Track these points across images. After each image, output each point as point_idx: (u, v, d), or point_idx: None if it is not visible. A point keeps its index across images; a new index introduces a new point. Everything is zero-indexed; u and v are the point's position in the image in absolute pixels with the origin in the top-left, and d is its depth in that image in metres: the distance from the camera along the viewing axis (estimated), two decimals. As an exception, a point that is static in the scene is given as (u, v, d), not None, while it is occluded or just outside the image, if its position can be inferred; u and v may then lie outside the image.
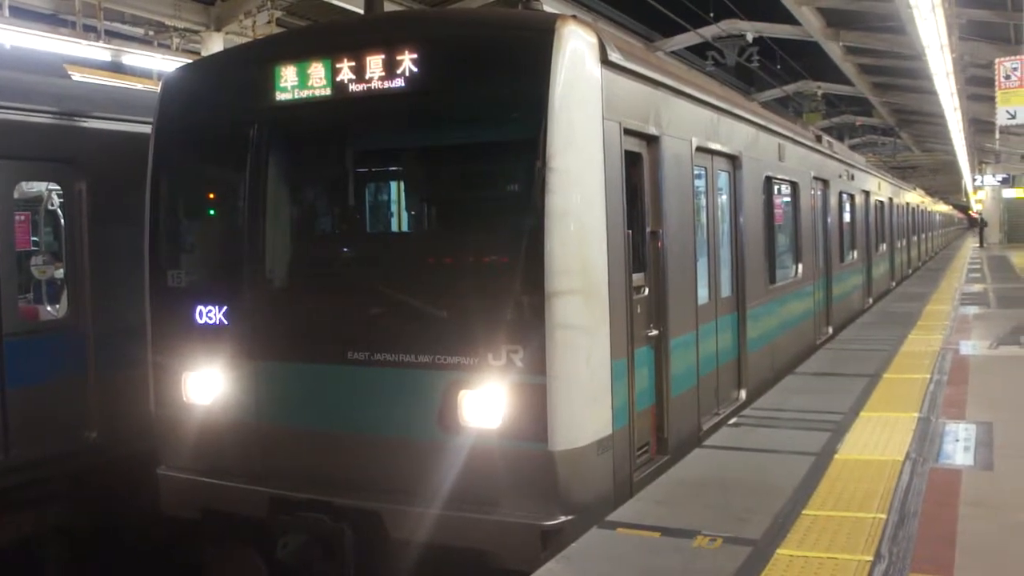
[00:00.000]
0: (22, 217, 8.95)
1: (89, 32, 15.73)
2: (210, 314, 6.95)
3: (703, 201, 8.91)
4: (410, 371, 6.20)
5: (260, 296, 6.93)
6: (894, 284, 24.37)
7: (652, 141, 7.37)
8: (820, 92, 36.63)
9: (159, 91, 7.49)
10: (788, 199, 12.69)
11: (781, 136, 11.90)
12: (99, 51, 14.83)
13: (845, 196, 17.04)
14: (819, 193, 14.61)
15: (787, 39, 27.31)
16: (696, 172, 8.41)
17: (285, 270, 7.21)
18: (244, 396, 6.81)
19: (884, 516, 5.79)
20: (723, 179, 9.56)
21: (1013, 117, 12.17)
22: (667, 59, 21.26)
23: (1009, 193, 50.77)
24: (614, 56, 6.45)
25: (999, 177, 49.49)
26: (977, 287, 23.20)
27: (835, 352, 12.74)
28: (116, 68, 15.71)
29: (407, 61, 6.27)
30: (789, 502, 6.13)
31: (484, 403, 5.97)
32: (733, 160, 9.69)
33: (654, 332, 7.30)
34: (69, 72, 10.31)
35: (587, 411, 6.08)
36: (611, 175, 6.35)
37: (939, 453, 7.26)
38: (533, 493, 5.90)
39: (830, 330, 14.81)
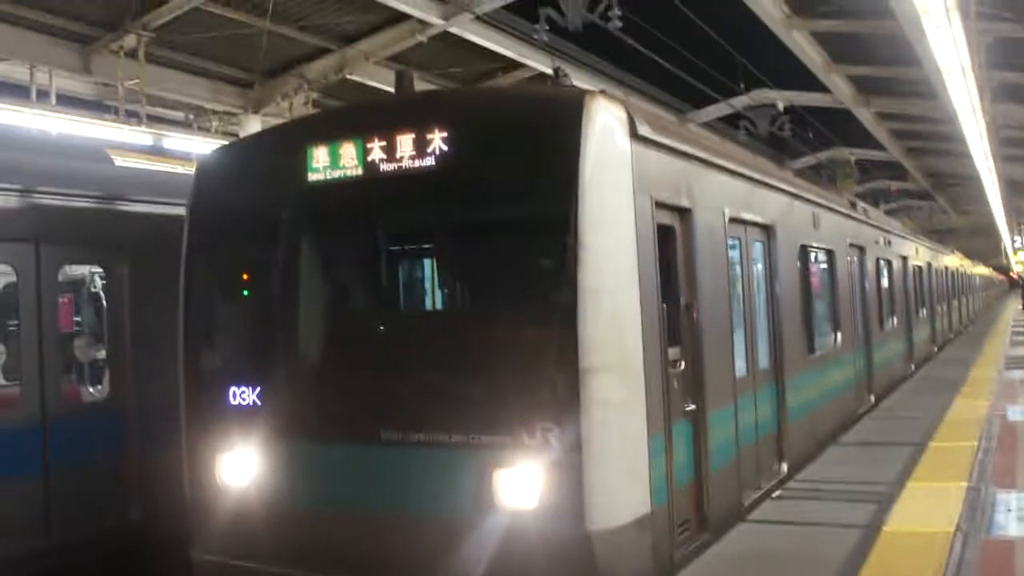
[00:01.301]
0: (65, 299, 9.10)
1: (131, 117, 16.16)
2: (243, 395, 6.93)
3: (738, 272, 8.84)
4: (444, 451, 6.12)
5: (292, 377, 6.95)
6: (936, 349, 23.98)
7: (684, 213, 7.33)
8: (853, 158, 36.63)
9: (194, 172, 7.62)
10: (824, 267, 12.57)
11: (815, 204, 11.84)
12: (141, 135, 15.20)
13: (882, 262, 16.86)
14: (856, 260, 14.48)
15: (818, 107, 27.42)
16: (730, 243, 8.35)
17: (317, 350, 7.20)
18: (277, 478, 6.77)
19: (937, 591, 5.63)
20: (757, 249, 9.50)
21: (1050, 178, 12.06)
22: (699, 130, 21.38)
23: (1050, 254, 50.15)
24: (643, 130, 6.47)
25: (1039, 238, 48.94)
26: (1022, 350, 22.81)
27: (879, 421, 12.55)
28: (157, 152, 16.09)
29: (437, 140, 6.33)
30: (838, 577, 5.99)
31: (519, 483, 5.87)
32: (767, 230, 9.62)
33: (691, 406, 7.20)
34: (112, 156, 10.56)
35: (624, 488, 5.98)
36: (643, 249, 6.33)
37: (991, 524, 7.08)
38: (572, 574, 5.76)
39: (872, 399, 14.55)
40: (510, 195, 6.43)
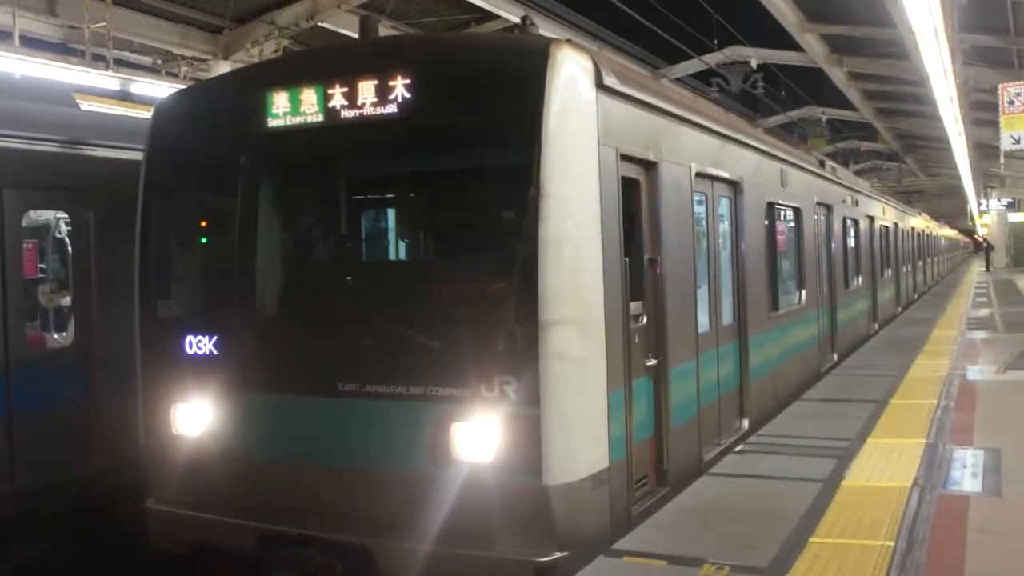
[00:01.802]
0: (30, 245, 8.99)
1: (98, 61, 15.85)
2: (199, 344, 6.83)
3: (703, 227, 8.76)
4: (401, 403, 6.07)
5: (250, 326, 6.86)
6: (900, 309, 24.21)
7: (650, 167, 7.25)
8: (824, 118, 36.78)
9: (151, 117, 7.44)
10: (791, 225, 12.55)
11: (783, 161, 11.77)
12: (108, 80, 14.92)
13: (849, 221, 16.90)
14: (822, 219, 14.48)
15: (791, 65, 27.43)
16: (696, 198, 8.28)
17: (275, 300, 7.14)
18: (233, 428, 6.70)
19: (892, 543, 5.76)
20: (724, 205, 9.43)
21: (1017, 142, 12.19)
22: (668, 84, 21.32)
23: (1015, 217, 50.81)
24: (610, 81, 6.36)
25: (1005, 201, 49.51)
26: (984, 311, 23.15)
27: (841, 378, 12.71)
28: (124, 97, 15.83)
29: (399, 87, 6.20)
30: (796, 530, 6.10)
31: (477, 436, 5.82)
32: (734, 186, 9.57)
33: (653, 362, 7.17)
34: (78, 101, 10.39)
35: (583, 443, 5.94)
36: (607, 202, 6.23)
37: (947, 479, 7.23)
38: (527, 528, 5.74)
39: (835, 357, 14.66)
40: (472, 143, 6.37)
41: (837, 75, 26.21)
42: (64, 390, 8.12)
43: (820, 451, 8.23)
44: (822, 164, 15.30)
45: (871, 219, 19.69)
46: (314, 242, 7.61)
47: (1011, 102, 12.12)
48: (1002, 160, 30.95)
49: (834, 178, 15.96)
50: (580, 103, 6.06)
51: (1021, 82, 12.24)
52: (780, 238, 11.84)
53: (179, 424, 6.92)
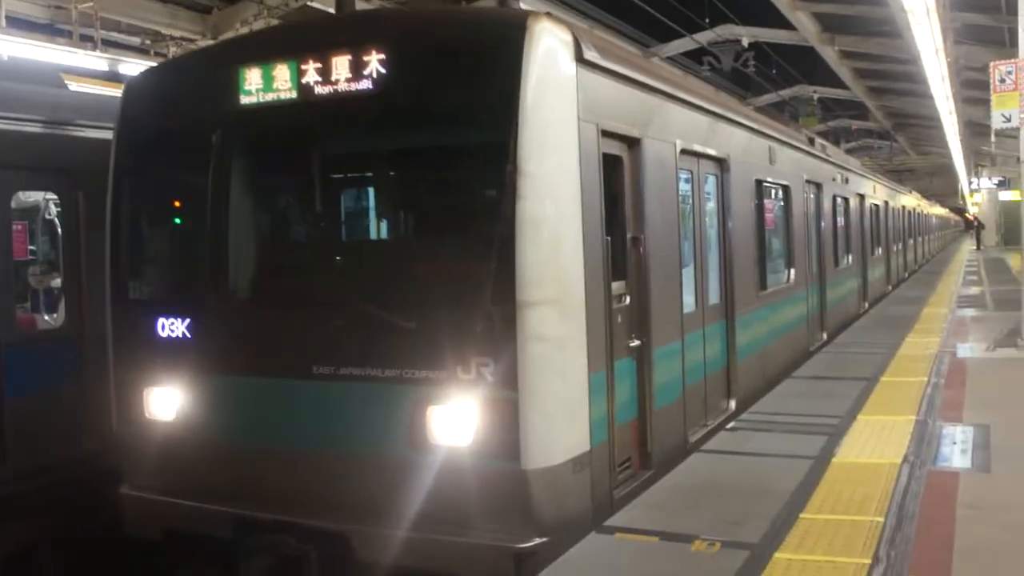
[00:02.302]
0: (19, 227, 8.95)
1: (86, 42, 15.74)
2: (172, 326, 6.67)
3: (689, 206, 8.61)
4: (377, 386, 5.94)
5: (223, 308, 6.70)
6: (890, 288, 24.14)
7: (633, 144, 7.07)
8: (816, 96, 36.74)
9: (121, 95, 7.25)
10: (779, 203, 12.40)
11: (771, 139, 11.61)
12: (96, 61, 14.81)
13: (839, 200, 16.75)
14: (812, 197, 14.34)
15: (783, 44, 27.37)
16: (681, 176, 8.13)
17: (249, 281, 6.99)
18: (207, 412, 6.56)
19: (882, 519, 5.80)
20: (711, 183, 9.30)
21: (1008, 120, 12.16)
22: (656, 61, 21.26)
23: (1005, 195, 50.84)
24: (590, 55, 6.17)
25: (995, 180, 49.53)
26: (974, 290, 23.23)
27: (832, 356, 12.76)
28: (113, 77, 15.73)
29: (374, 61, 6.02)
30: (787, 506, 6.14)
31: (454, 419, 5.70)
32: (721, 163, 9.40)
33: (636, 342, 7.02)
34: (66, 82, 10.31)
35: (562, 427, 5.80)
36: (588, 179, 6.08)
37: (937, 456, 7.27)
38: (506, 514, 5.61)
39: (824, 336, 14.54)
40: (448, 119, 6.17)
41: (829, 53, 26.18)
42: (55, 372, 8.10)
43: (811, 428, 8.26)
44: (811, 142, 15.18)
45: (861, 197, 19.54)
46: (287, 222, 7.43)
47: (1002, 80, 12.10)
48: (993, 139, 30.93)
49: (824, 156, 15.81)
50: (559, 78, 5.89)
51: (1012, 60, 12.22)
52: (768, 216, 11.69)
53: (152, 408, 6.78)
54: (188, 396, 6.62)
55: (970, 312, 17.79)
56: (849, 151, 41.19)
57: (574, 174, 5.95)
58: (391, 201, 7.15)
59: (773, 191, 12.00)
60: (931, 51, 17.35)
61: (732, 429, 8.46)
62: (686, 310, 8.09)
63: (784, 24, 23.74)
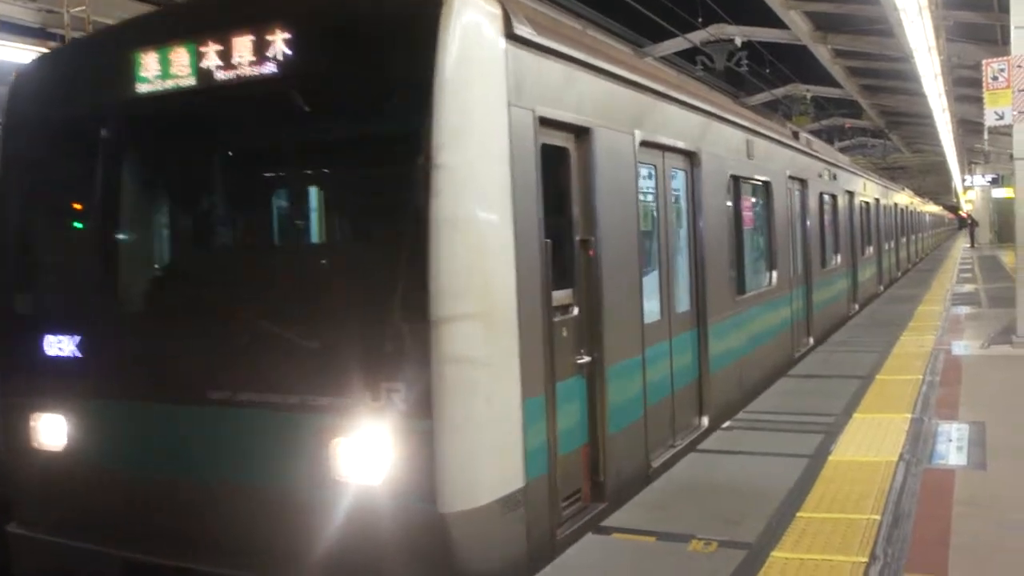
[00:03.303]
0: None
1: (78, 45, 15.68)
2: (60, 345, 5.96)
3: (653, 204, 7.88)
4: (276, 414, 5.25)
5: (113, 324, 6.03)
6: (882, 288, 23.73)
7: (582, 133, 6.34)
8: (809, 95, 36.73)
9: (9, 86, 6.51)
10: (759, 201, 11.72)
11: (749, 131, 10.85)
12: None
13: (826, 197, 16.14)
14: (796, 194, 13.67)
15: (776, 43, 27.38)
16: (642, 171, 7.42)
17: (141, 293, 6.33)
18: (97, 441, 5.90)
19: (878, 517, 5.80)
20: (678, 178, 8.54)
21: (1001, 118, 12.18)
22: (615, 45, 21.26)
23: (999, 193, 50.88)
24: (523, 30, 5.44)
25: (988, 177, 49.60)
26: (968, 287, 23.26)
27: (827, 354, 12.76)
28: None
29: (278, 41, 5.28)
30: (783, 505, 6.14)
31: (361, 454, 5.00)
32: (690, 157, 8.62)
33: (586, 359, 6.30)
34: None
35: (488, 462, 5.10)
36: (521, 173, 5.35)
37: (932, 453, 7.27)
38: (422, 564, 4.93)
39: (811, 341, 13.94)
40: (356, 105, 5.44)
41: (822, 52, 26.17)
42: None
43: (806, 427, 8.27)
44: (796, 136, 14.66)
45: (850, 194, 18.90)
46: (182, 227, 6.58)
47: (995, 78, 12.12)
48: (986, 136, 31.03)
49: (809, 151, 15.15)
50: (484, 55, 5.18)
51: (1005, 58, 12.24)
52: (746, 215, 11.06)
53: (40, 436, 6.09)
54: (77, 423, 5.97)
55: (965, 309, 17.81)
56: (843, 149, 41.27)
57: (503, 167, 5.22)
58: (293, 202, 6.42)
59: (752, 188, 11.34)
60: (924, 49, 17.38)
61: (728, 428, 8.46)
62: (649, 320, 7.39)
63: (777, 23, 23.73)
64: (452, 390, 4.89)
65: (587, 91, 6.46)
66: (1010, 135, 12.47)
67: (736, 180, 10.28)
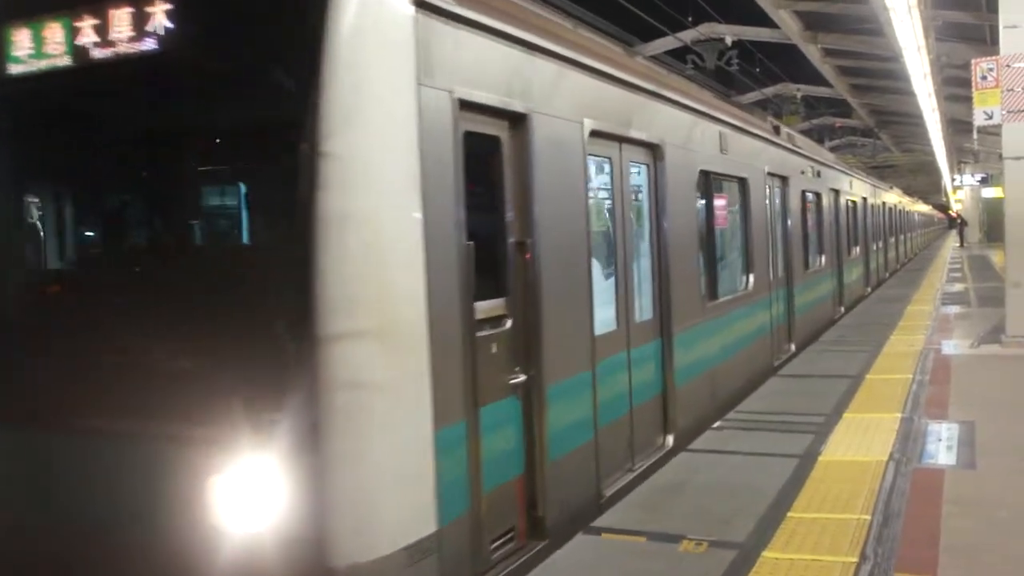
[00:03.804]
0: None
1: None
2: None
3: (607, 201, 7.19)
4: (143, 446, 4.52)
5: None
6: (869, 290, 23.21)
7: (518, 121, 5.61)
8: (799, 94, 36.79)
9: None
10: (734, 199, 11.03)
11: (723, 124, 10.08)
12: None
13: (810, 195, 15.48)
14: (776, 192, 12.95)
15: (766, 42, 27.43)
16: (593, 164, 6.72)
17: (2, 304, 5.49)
18: None
19: (868, 517, 5.79)
20: (640, 174, 7.78)
21: (990, 117, 12.22)
22: (560, 22, 21.24)
23: (988, 192, 51.09)
24: None
25: (978, 176, 49.78)
26: (958, 287, 23.33)
27: (817, 354, 12.78)
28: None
29: (158, 14, 4.55)
30: (773, 505, 6.13)
31: (241, 494, 4.25)
32: (653, 150, 7.84)
33: (521, 378, 5.55)
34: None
35: (390, 504, 4.37)
36: (435, 165, 4.65)
37: (922, 453, 7.28)
38: None
39: (792, 347, 13.27)
40: (234, 83, 4.65)
41: (812, 52, 26.21)
42: None
43: (796, 427, 8.27)
44: (777, 130, 13.99)
45: (836, 193, 18.15)
46: (41, 226, 5.67)
47: (984, 77, 12.15)
48: (975, 135, 31.11)
49: (791, 146, 14.29)
50: (384, 24, 4.47)
51: (993, 57, 12.28)
52: (720, 214, 10.33)
53: None
54: None
55: (954, 309, 17.85)
56: (833, 149, 41.30)
57: (410, 157, 4.51)
58: (168, 198, 5.35)
59: (726, 185, 10.60)
60: (913, 48, 17.43)
61: (719, 428, 8.45)
62: (601, 330, 6.69)
63: (767, 22, 23.77)
64: (344, 420, 4.19)
65: (524, 72, 5.69)
66: (999, 135, 12.52)
67: (707, 176, 9.53)
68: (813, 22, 23.93)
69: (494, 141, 5.49)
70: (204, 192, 5.28)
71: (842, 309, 18.32)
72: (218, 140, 5.03)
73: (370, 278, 4.30)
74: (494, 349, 5.33)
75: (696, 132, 9.15)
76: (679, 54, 27.33)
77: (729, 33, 25.36)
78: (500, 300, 5.46)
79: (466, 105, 5.01)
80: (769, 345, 12.08)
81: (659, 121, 8.05)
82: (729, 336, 10.04)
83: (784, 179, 13.31)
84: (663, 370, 7.91)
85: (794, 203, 13.87)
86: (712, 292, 9.68)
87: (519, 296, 5.62)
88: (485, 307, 5.25)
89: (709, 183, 9.65)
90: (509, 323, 5.50)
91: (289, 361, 4.16)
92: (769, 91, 35.25)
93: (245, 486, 4.25)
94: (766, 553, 5.29)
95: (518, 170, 5.65)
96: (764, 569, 5.09)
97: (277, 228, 4.69)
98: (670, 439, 7.84)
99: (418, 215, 4.54)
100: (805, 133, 29.34)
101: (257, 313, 4.36)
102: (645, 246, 7.92)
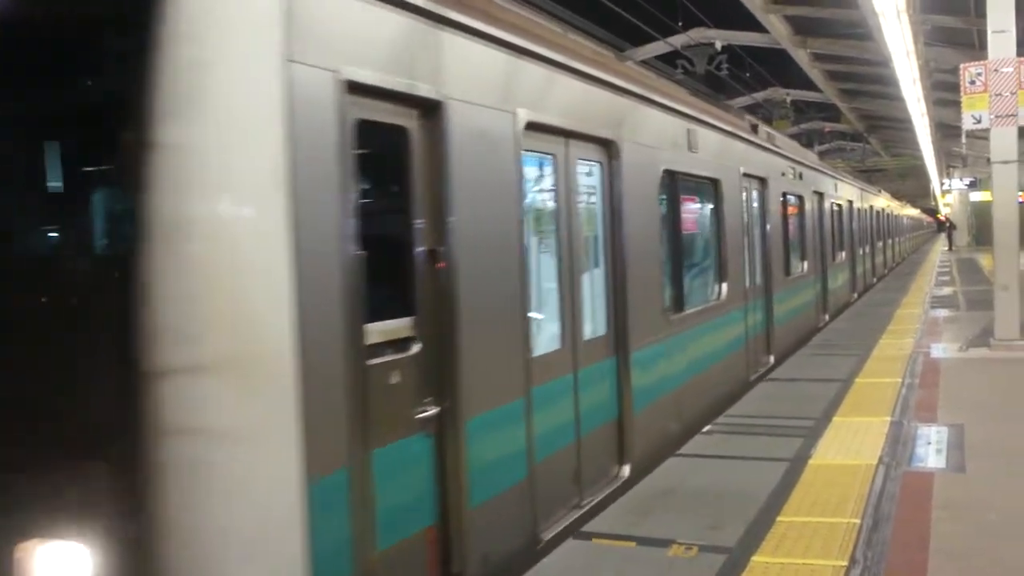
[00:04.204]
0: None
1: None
2: None
3: (547, 204, 6.39)
4: None
5: None
6: (856, 296, 22.39)
7: (430, 109, 4.78)
8: (789, 99, 36.93)
9: None
10: (705, 201, 10.22)
11: (691, 119, 9.17)
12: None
13: (792, 198, 14.60)
14: (753, 194, 12.15)
15: (755, 47, 27.52)
16: (531, 161, 5.97)
17: None
18: None
19: (858, 521, 5.79)
20: (588, 173, 6.97)
21: (978, 122, 12.26)
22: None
23: (976, 196, 51.32)
24: None
25: (966, 180, 50.02)
26: (947, 290, 23.40)
27: (808, 358, 12.80)
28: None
29: None
30: (763, 509, 6.13)
31: (52, 567, 3.39)
32: (607, 147, 7.07)
33: (431, 411, 4.73)
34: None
35: None
36: (311, 159, 3.83)
37: (912, 456, 7.29)
38: None
39: (771, 359, 12.44)
40: (52, 53, 3.75)
41: (801, 56, 26.29)
42: None
43: (786, 430, 8.27)
44: (755, 129, 13.22)
45: (820, 196, 17.33)
46: None
47: (972, 82, 12.19)
48: (964, 140, 31.21)
49: (771, 146, 13.41)
50: None
51: (982, 62, 12.32)
52: (687, 218, 9.53)
53: None
54: None
55: (943, 312, 17.91)
56: (822, 153, 41.50)
57: (272, 149, 3.65)
58: None
59: (695, 186, 9.71)
60: (902, 53, 17.50)
61: (708, 432, 8.45)
62: (540, 351, 5.95)
63: (757, 27, 23.84)
64: (179, 475, 3.32)
65: (434, 51, 4.82)
66: (987, 139, 12.56)
67: (673, 176, 8.64)
68: (802, 27, 24.01)
69: (400, 132, 4.67)
70: (33, 190, 4.07)
71: (826, 317, 17.57)
72: (28, 125, 3.97)
73: (214, 298, 3.44)
74: (395, 378, 4.49)
75: (659, 127, 8.28)
76: (669, 59, 27.41)
77: (719, 38, 25.47)
78: (405, 320, 4.64)
79: (358, 88, 4.17)
80: (744, 359, 11.20)
81: (614, 114, 7.23)
82: (698, 351, 9.13)
83: (762, 181, 12.51)
84: (619, 392, 7.14)
85: (774, 206, 13.08)
86: (677, 304, 8.78)
87: (430, 314, 4.77)
88: (382, 328, 4.42)
89: (675, 184, 8.79)
90: (417, 347, 4.67)
91: (111, 401, 3.34)
92: (759, 96, 35.39)
93: (59, 558, 3.38)
94: (756, 557, 5.29)
95: (431, 167, 4.82)
96: (754, 574, 5.08)
97: (101, 237, 3.87)
98: (627, 469, 7.07)
99: (283, 220, 3.66)
100: (795, 137, 29.42)
101: (73, 340, 3.53)
102: (598, 254, 7.12)
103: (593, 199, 7.07)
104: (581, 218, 6.77)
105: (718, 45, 25.68)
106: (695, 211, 10.03)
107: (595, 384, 6.77)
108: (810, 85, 32.25)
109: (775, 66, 32.34)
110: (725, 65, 27.01)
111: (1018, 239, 12.56)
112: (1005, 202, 12.55)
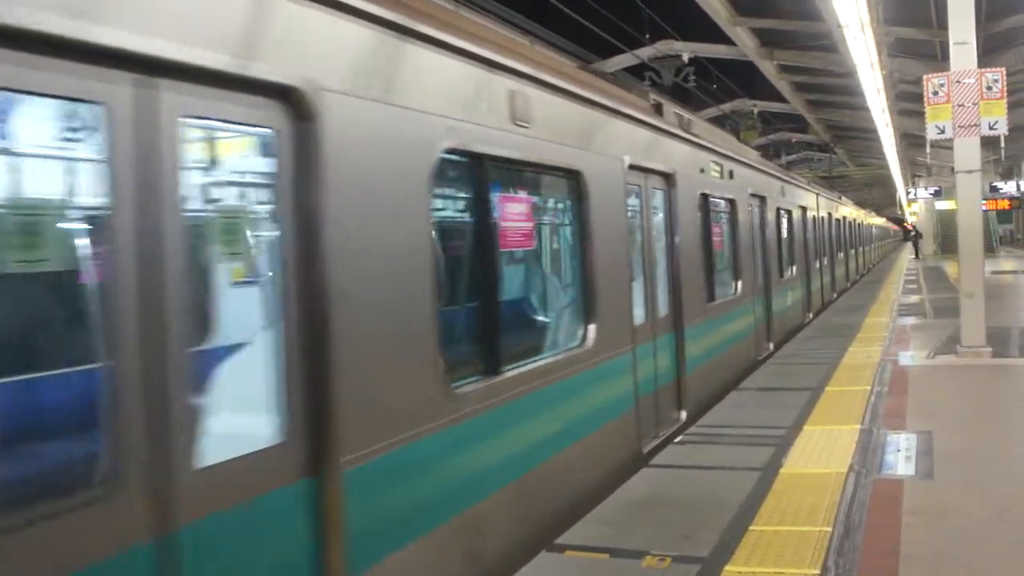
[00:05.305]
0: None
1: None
2: None
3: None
4: None
5: None
6: (811, 316, 20.19)
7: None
8: (756, 110, 37.24)
9: None
10: (555, 203, 7.77)
11: (522, 77, 6.21)
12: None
13: (717, 202, 12.30)
14: (652, 195, 9.27)
15: (722, 59, 27.75)
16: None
17: None
18: None
19: (830, 529, 5.83)
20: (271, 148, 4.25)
21: (942, 131, 12.41)
22: None
23: (942, 205, 51.91)
24: None
25: (931, 189, 50.58)
26: (914, 298, 23.62)
27: (779, 366, 12.86)
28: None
29: None
30: (736, 518, 6.15)
31: None
32: (667, 178, 7.60)
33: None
34: None
35: None
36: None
37: (882, 464, 7.34)
38: None
39: (683, 415, 9.69)
40: None
41: (768, 68, 26.56)
42: None
43: (757, 439, 8.31)
44: (658, 109, 10.58)
45: (760, 200, 15.18)
46: None
47: (935, 93, 12.35)
48: (928, 149, 31.54)
49: (683, 134, 10.63)
50: None
51: (944, 73, 12.48)
52: (508, 227, 6.30)
53: None
54: None
55: (911, 320, 18.08)
56: (789, 163, 41.81)
57: None
58: None
59: (531, 179, 7.01)
60: (866, 65, 17.72)
61: (680, 442, 8.48)
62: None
63: (723, 39, 24.06)
64: None
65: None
66: (951, 148, 12.71)
67: (479, 162, 5.72)
68: (769, 39, 24.27)
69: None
70: None
71: (771, 346, 15.22)
72: None
73: None
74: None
75: (433, 82, 5.17)
76: (637, 71, 27.56)
77: (686, 50, 25.65)
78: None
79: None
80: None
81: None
82: (538, 433, 6.46)
83: (667, 177, 9.70)
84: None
85: (686, 212, 10.21)
86: (491, 364, 5.82)
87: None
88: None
89: (482, 173, 5.75)
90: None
91: None
92: (726, 107, 35.64)
93: None
94: (729, 567, 5.30)
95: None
96: (727, 583, 5.10)
97: None
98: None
99: None
100: (761, 148, 29.64)
101: None
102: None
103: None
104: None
105: (685, 57, 25.85)
106: (528, 216, 6.74)
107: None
108: (777, 96, 32.57)
109: (742, 77, 32.64)
110: (692, 77, 27.19)
111: (983, 247, 12.72)
112: (969, 211, 12.70)
